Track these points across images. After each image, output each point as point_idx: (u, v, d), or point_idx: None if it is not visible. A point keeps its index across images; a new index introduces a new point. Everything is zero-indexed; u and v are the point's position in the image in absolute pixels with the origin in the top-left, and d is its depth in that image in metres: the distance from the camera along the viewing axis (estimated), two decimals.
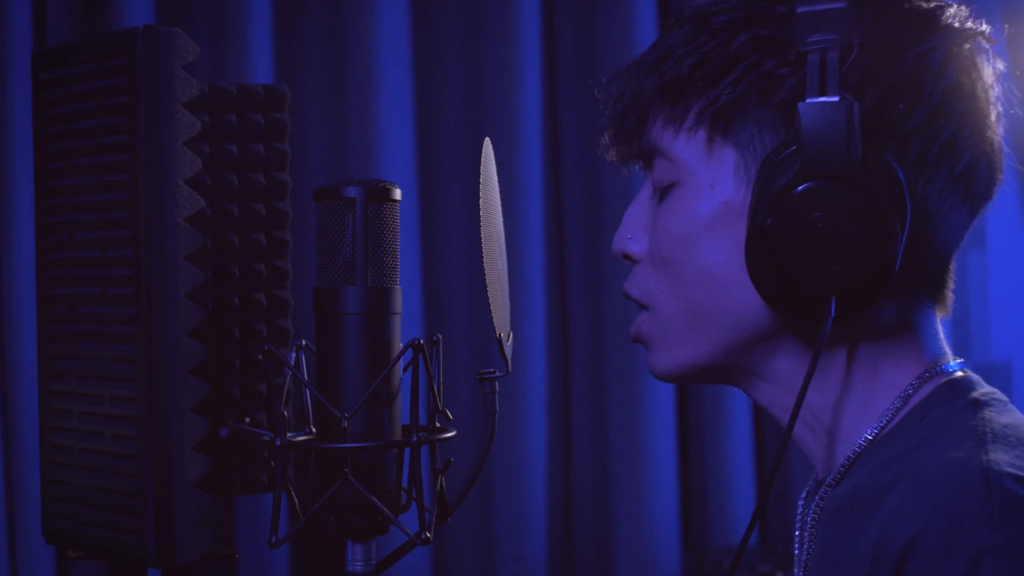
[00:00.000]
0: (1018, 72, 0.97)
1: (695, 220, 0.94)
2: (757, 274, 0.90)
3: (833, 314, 0.88)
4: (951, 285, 0.97)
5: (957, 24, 0.93)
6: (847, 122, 0.86)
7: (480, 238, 0.99)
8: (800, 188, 0.87)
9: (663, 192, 0.96)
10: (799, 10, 0.87)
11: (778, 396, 0.97)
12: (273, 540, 0.96)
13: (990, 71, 0.94)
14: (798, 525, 0.99)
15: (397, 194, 0.99)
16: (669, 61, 0.94)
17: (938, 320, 0.97)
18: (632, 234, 0.99)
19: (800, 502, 1.00)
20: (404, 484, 0.99)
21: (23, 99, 2.00)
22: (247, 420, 1.07)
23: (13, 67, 2.02)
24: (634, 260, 0.99)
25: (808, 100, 0.87)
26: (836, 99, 0.86)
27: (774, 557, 2.19)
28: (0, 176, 2.02)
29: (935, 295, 0.96)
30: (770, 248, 0.88)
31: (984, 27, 0.94)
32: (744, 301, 0.93)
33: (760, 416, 2.38)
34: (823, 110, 0.86)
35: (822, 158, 0.86)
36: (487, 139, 1.02)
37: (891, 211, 0.87)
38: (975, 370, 1.00)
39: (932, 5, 0.93)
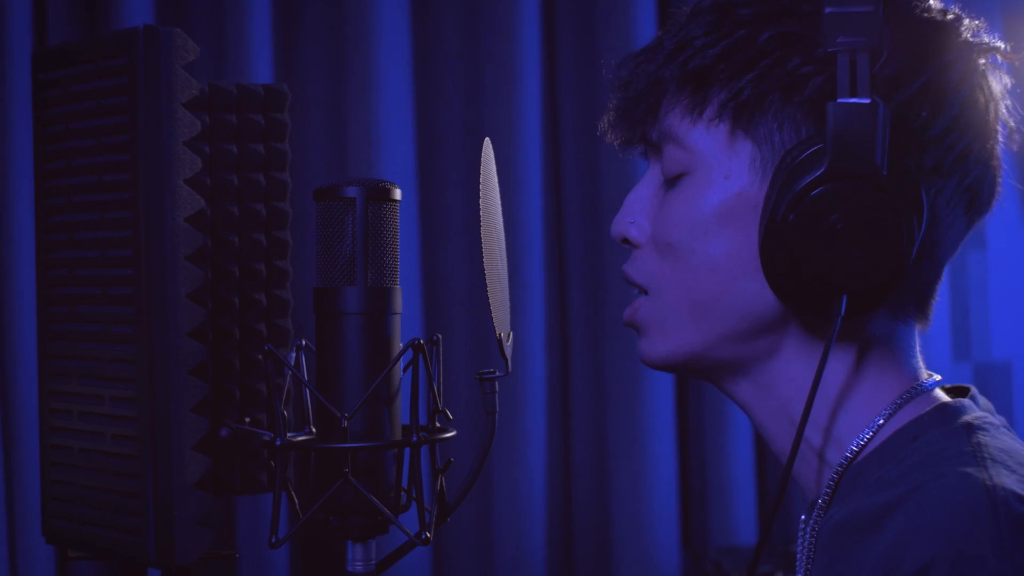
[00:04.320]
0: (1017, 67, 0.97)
1: (706, 208, 0.94)
2: (770, 267, 0.90)
3: (844, 312, 0.88)
4: (936, 298, 0.98)
5: (972, 38, 0.93)
6: (876, 125, 0.86)
7: (480, 238, 0.99)
8: (825, 187, 0.87)
9: (673, 180, 0.96)
10: (827, 10, 0.87)
11: (764, 401, 0.97)
12: (273, 540, 0.96)
13: (999, 87, 0.95)
14: (799, 547, 0.99)
15: (397, 194, 0.99)
16: (689, 50, 0.94)
17: (916, 334, 0.97)
18: (634, 218, 0.99)
19: (800, 524, 1.00)
20: (404, 484, 0.99)
21: (23, 99, 2.00)
22: (247, 420, 1.07)
23: (13, 67, 2.02)
24: (633, 245, 0.99)
25: (839, 100, 0.87)
26: (867, 101, 0.86)
27: (774, 557, 2.19)
28: (0, 176, 2.03)
29: (921, 306, 0.96)
30: (788, 243, 0.88)
31: (998, 42, 0.95)
32: (749, 292, 0.93)
33: None
34: (853, 111, 0.86)
35: (849, 159, 0.87)
36: (487, 139, 1.02)
37: (911, 216, 0.87)
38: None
39: (950, 17, 0.93)
